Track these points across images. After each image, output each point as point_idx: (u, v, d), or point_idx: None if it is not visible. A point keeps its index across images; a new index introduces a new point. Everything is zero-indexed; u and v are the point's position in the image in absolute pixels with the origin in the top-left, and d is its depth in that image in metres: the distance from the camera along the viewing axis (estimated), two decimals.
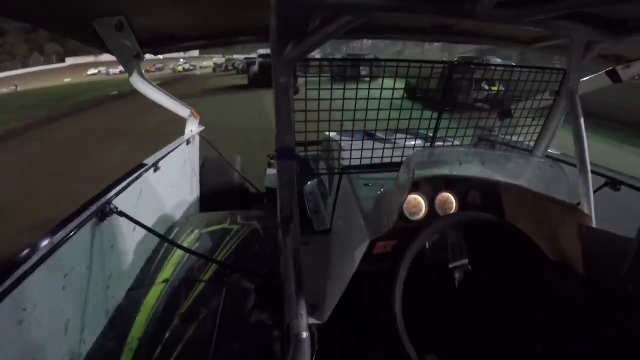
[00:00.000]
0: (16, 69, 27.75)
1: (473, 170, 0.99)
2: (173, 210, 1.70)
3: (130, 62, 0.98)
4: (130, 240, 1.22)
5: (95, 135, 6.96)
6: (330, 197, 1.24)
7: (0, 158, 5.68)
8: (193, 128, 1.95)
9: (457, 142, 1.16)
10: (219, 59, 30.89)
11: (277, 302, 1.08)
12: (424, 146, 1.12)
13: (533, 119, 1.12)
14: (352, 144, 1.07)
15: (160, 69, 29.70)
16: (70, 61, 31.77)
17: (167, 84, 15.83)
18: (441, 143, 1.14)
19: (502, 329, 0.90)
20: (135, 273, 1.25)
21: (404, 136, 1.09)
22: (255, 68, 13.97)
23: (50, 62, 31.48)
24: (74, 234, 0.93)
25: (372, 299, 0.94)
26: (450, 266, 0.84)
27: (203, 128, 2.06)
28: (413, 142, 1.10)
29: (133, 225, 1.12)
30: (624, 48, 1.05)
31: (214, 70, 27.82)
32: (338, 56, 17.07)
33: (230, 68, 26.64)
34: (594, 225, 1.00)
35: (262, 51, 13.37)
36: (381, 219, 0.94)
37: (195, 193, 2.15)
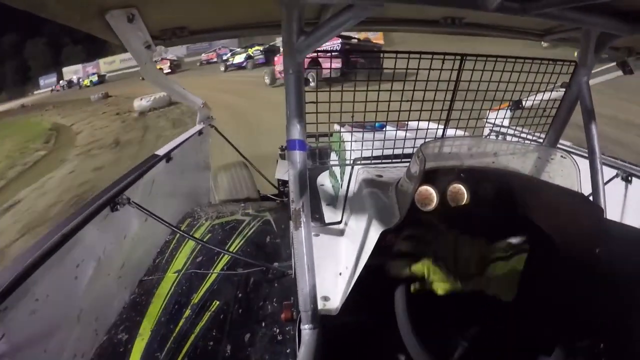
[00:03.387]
0: None
1: (485, 161, 0.99)
2: (185, 200, 1.71)
3: (142, 53, 0.98)
4: (142, 231, 1.23)
5: None
6: (341, 189, 1.24)
7: None
8: (204, 119, 1.95)
9: (468, 133, 1.16)
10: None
11: (289, 293, 1.09)
12: (435, 137, 1.12)
13: (544, 110, 1.12)
14: (363, 135, 1.07)
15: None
16: None
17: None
18: (452, 134, 1.14)
19: (510, 321, 0.90)
20: (147, 263, 1.26)
21: (415, 127, 1.09)
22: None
23: None
24: (86, 224, 0.93)
25: (383, 291, 0.94)
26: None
27: (214, 119, 2.06)
28: (424, 133, 1.10)
29: (145, 215, 1.12)
30: (636, 39, 1.04)
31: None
32: None
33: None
34: (606, 216, 1.00)
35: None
36: (392, 210, 0.94)
37: (207, 183, 2.16)
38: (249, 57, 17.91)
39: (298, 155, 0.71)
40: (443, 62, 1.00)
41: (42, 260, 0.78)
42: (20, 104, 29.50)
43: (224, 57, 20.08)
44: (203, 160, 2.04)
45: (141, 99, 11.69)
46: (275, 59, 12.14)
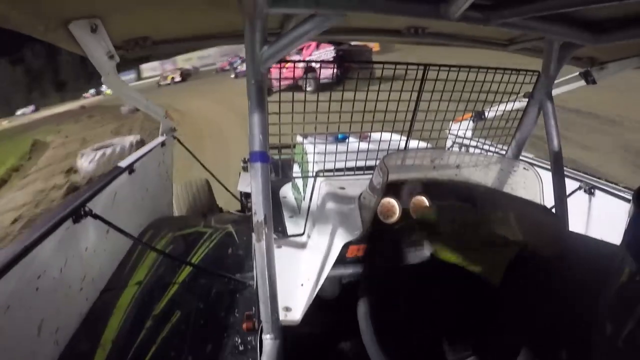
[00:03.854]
0: None
1: (447, 173, 0.99)
2: (147, 212, 1.70)
3: (104, 63, 0.98)
4: (104, 242, 1.22)
5: None
6: (304, 201, 1.24)
7: None
8: (167, 130, 1.95)
9: (431, 145, 1.16)
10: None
11: (250, 304, 1.09)
12: (398, 149, 1.12)
13: (507, 121, 1.12)
14: (326, 147, 1.07)
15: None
16: None
17: None
18: (415, 145, 1.14)
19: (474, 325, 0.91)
20: (108, 275, 1.26)
21: (378, 138, 1.09)
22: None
23: None
24: (47, 235, 0.93)
25: (344, 302, 0.94)
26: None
27: (176, 130, 2.06)
28: (387, 145, 1.10)
29: (107, 227, 1.12)
30: (598, 49, 1.04)
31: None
32: None
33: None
34: (569, 228, 1.00)
35: None
36: (355, 222, 0.94)
37: (170, 195, 2.15)
38: None
39: (261, 168, 0.70)
40: (406, 72, 1.00)
41: (3, 272, 0.78)
42: (80, 105, 29.47)
43: (235, 65, 20.86)
44: (166, 172, 2.03)
45: (86, 157, 6.76)
46: None
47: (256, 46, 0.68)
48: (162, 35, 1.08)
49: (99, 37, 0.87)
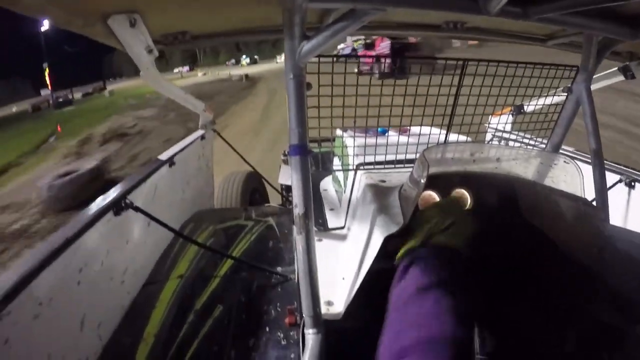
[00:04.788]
0: None
1: (487, 166, 0.99)
2: (188, 205, 1.71)
3: (143, 57, 0.98)
4: (145, 235, 1.23)
5: None
6: (344, 194, 1.24)
7: None
8: (207, 123, 1.96)
9: (470, 138, 1.16)
10: None
11: (292, 298, 1.09)
12: (438, 142, 1.12)
13: (546, 115, 1.12)
14: (365, 140, 1.07)
15: None
16: None
17: None
18: (455, 139, 1.14)
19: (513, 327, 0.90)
20: (150, 268, 1.26)
21: (418, 132, 1.09)
22: None
23: None
24: (89, 228, 0.93)
25: (386, 296, 0.94)
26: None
27: (215, 124, 2.07)
28: (427, 138, 1.10)
29: (148, 220, 1.12)
30: (638, 44, 1.04)
31: None
32: None
33: None
34: (609, 221, 1.00)
35: None
36: (396, 215, 0.94)
37: (210, 188, 2.16)
38: None
39: (301, 161, 0.71)
40: (445, 67, 1.00)
41: (44, 264, 0.78)
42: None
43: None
44: (206, 165, 2.04)
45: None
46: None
47: (295, 40, 0.68)
48: (201, 30, 1.08)
49: (138, 31, 0.87)
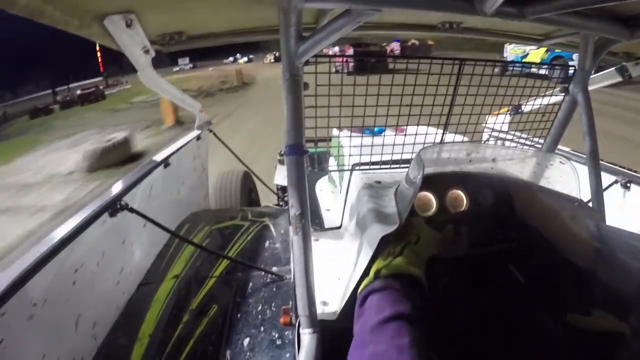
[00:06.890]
0: None
1: (483, 166, 0.99)
2: (183, 206, 1.71)
3: (140, 58, 0.98)
4: (141, 236, 1.22)
5: None
6: (340, 194, 1.24)
7: None
8: (203, 124, 1.96)
9: (467, 138, 1.16)
10: None
11: (287, 298, 1.08)
12: (434, 142, 1.12)
13: (543, 115, 1.12)
14: (362, 140, 1.07)
15: None
16: None
17: None
18: (451, 138, 1.14)
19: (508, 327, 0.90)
20: (145, 268, 1.26)
21: (414, 132, 1.09)
22: None
23: None
24: (84, 229, 0.93)
25: None
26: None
27: (212, 124, 2.06)
28: (423, 138, 1.10)
29: (143, 221, 1.12)
30: (635, 44, 1.04)
31: None
32: None
33: None
34: (605, 222, 1.00)
35: None
36: (392, 215, 0.94)
37: (205, 189, 2.15)
38: None
39: (296, 161, 0.71)
40: (442, 67, 1.00)
41: (40, 265, 0.78)
42: None
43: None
44: (201, 166, 2.04)
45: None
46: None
47: (291, 41, 0.69)
48: (197, 30, 1.08)
49: (134, 32, 0.87)
